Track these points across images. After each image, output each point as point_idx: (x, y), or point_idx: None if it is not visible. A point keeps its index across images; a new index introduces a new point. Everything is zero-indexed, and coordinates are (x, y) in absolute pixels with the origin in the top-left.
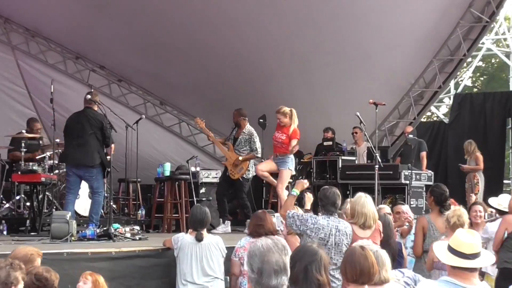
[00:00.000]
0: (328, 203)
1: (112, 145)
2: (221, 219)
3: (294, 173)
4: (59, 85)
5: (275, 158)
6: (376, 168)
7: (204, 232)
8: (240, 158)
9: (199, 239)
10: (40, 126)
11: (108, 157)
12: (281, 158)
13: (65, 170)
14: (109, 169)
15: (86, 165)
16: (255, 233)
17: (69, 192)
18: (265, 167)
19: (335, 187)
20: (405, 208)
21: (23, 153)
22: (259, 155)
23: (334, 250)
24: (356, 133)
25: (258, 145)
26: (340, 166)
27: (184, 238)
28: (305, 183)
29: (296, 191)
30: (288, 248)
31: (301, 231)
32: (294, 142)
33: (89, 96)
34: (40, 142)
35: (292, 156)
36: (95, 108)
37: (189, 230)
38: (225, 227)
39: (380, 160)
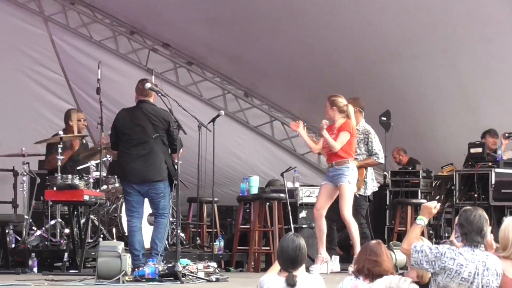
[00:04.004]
0: (473, 230)
1: (181, 150)
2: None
3: (355, 189)
4: (107, 70)
5: (329, 172)
6: None
7: (299, 271)
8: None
9: (290, 283)
10: (83, 118)
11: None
12: (338, 169)
13: (116, 185)
14: (176, 182)
15: (152, 180)
16: (366, 271)
17: (133, 216)
18: (323, 202)
19: (481, 208)
20: None
21: (59, 162)
22: (382, 161)
23: None
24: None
25: (378, 146)
26: (493, 181)
27: (272, 282)
28: (433, 207)
29: (423, 219)
30: None
31: (436, 270)
32: (342, 135)
33: (148, 85)
34: (84, 140)
35: (352, 165)
36: (152, 100)
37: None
38: (332, 264)
39: None
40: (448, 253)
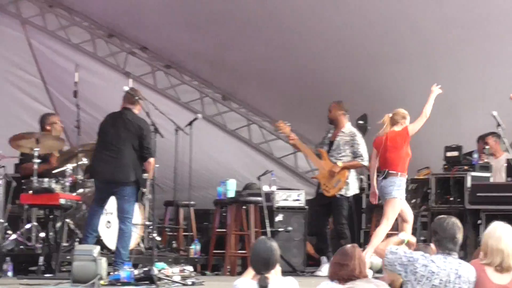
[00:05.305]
0: (445, 237)
1: (151, 160)
2: (324, 258)
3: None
4: (85, 73)
5: None
6: None
7: (272, 274)
8: (339, 164)
9: (262, 285)
10: (58, 120)
11: (145, 175)
12: None
13: (91, 189)
14: (144, 190)
15: (118, 181)
16: (338, 275)
17: (95, 204)
18: None
19: (454, 216)
20: None
21: (36, 165)
22: (366, 163)
23: None
24: (486, 142)
25: (363, 149)
26: (468, 185)
27: (245, 285)
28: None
29: (405, 237)
30: None
31: (407, 274)
32: None
33: (130, 92)
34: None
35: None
36: (137, 110)
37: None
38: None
39: None
40: (421, 259)
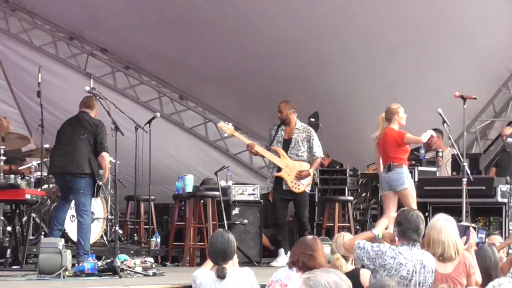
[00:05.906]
0: (410, 228)
1: (104, 154)
2: (281, 250)
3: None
4: (48, 74)
5: None
6: (464, 182)
7: (230, 264)
8: (311, 171)
9: (220, 275)
10: (2, 118)
11: (101, 171)
12: None
13: (56, 185)
14: (100, 183)
15: (71, 172)
16: (301, 264)
17: (61, 198)
18: None
19: (417, 210)
20: None
21: (1, 163)
22: (321, 155)
23: None
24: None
25: (318, 143)
26: (416, 179)
27: (204, 276)
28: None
29: (378, 232)
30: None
31: (376, 267)
32: None
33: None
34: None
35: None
36: (93, 114)
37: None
38: (287, 258)
39: (469, 172)
40: (388, 252)
